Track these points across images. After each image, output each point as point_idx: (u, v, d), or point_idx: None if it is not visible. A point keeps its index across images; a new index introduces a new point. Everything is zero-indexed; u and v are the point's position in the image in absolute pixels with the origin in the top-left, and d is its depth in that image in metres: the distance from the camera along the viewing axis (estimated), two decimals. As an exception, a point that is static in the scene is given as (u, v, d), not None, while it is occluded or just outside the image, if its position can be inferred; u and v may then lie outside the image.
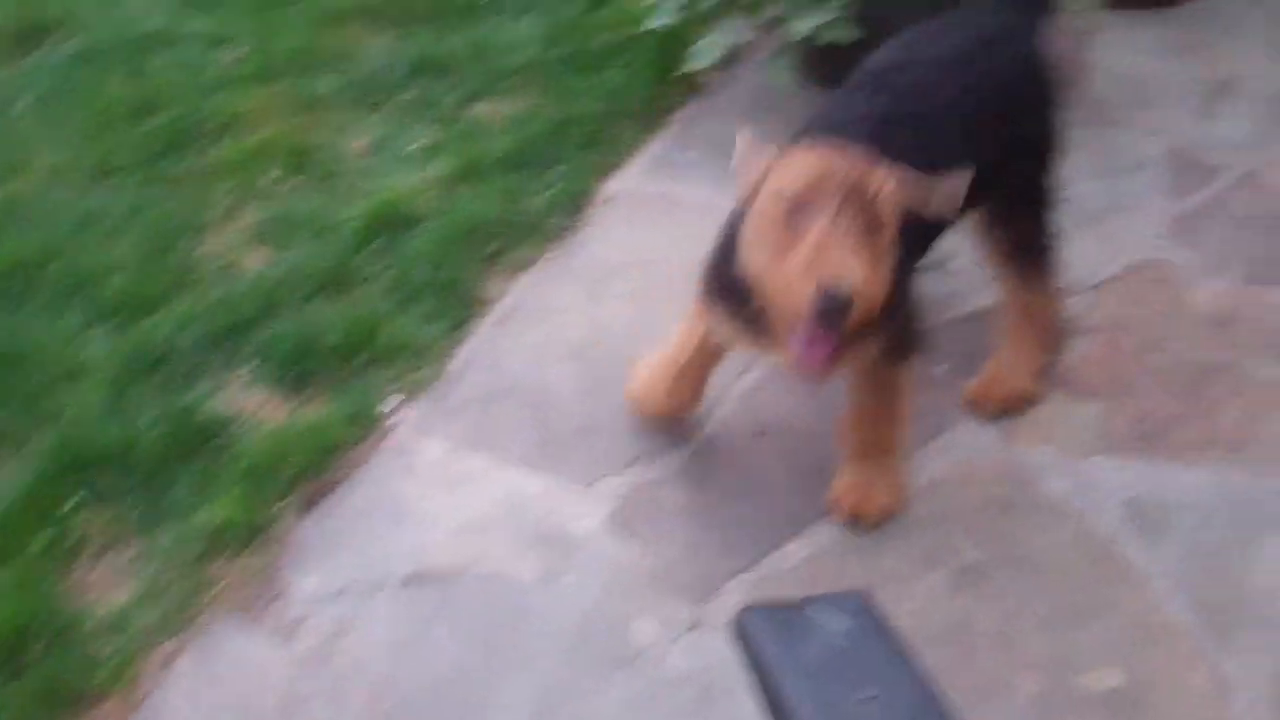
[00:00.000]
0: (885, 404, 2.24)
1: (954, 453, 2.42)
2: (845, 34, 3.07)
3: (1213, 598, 2.14)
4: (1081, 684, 2.03)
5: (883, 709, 0.83)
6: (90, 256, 2.98)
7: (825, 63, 3.34)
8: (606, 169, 3.20)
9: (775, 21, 3.14)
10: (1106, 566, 2.20)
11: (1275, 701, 1.99)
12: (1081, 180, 3.06)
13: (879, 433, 2.27)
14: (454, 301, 2.82)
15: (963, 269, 2.78)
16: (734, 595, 2.19)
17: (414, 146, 3.33)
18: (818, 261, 1.75)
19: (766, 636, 0.88)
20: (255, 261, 3.00)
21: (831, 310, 1.75)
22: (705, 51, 3.24)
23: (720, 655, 2.08)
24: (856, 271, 1.75)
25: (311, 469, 2.47)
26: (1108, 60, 3.53)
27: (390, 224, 3.02)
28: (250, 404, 2.63)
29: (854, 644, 0.88)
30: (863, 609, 0.90)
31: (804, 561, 2.24)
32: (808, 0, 3.05)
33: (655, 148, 3.29)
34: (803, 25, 3.04)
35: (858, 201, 1.79)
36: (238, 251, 3.04)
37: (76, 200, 3.26)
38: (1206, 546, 2.22)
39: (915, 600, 2.16)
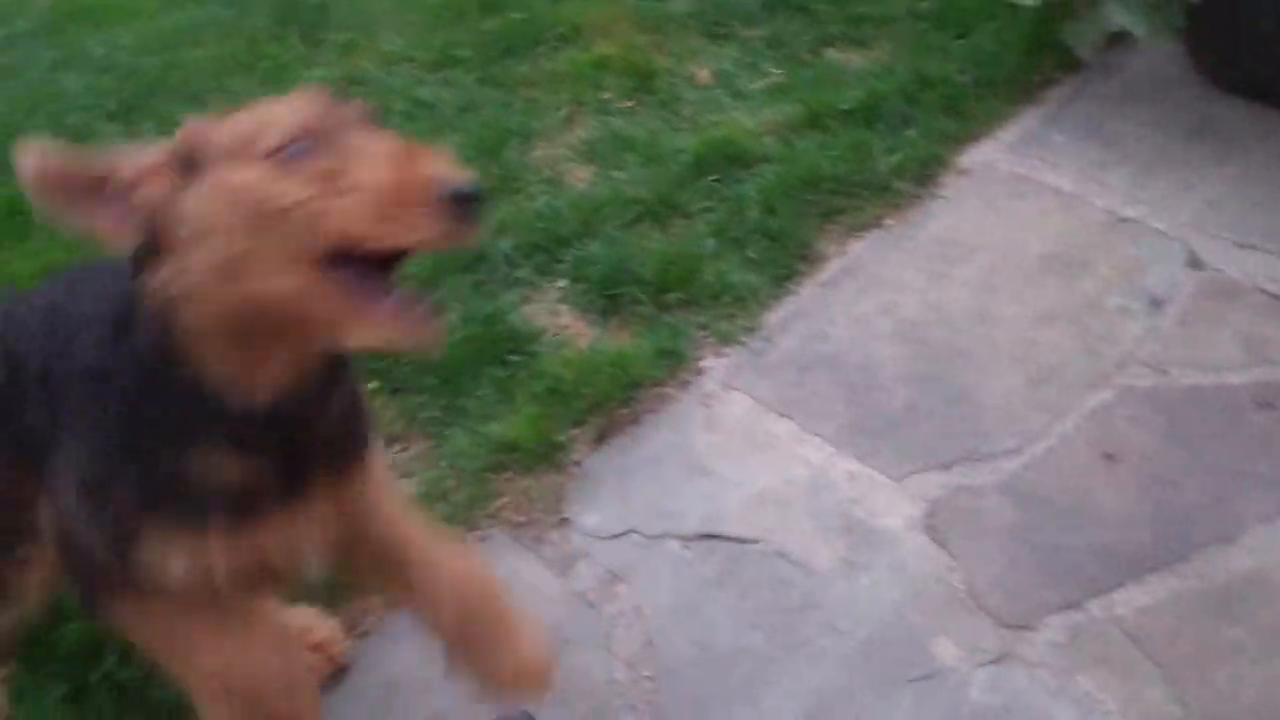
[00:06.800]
0: None
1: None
2: None
3: None
4: None
5: None
6: (417, 146, 2.93)
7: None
8: (964, 139, 2.94)
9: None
10: None
11: None
12: None
13: None
14: (781, 253, 2.63)
15: None
16: (1053, 633, 1.94)
17: (759, 85, 3.14)
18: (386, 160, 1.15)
19: None
20: (581, 178, 2.89)
21: (469, 201, 1.13)
22: (1082, 34, 2.95)
23: (1026, 698, 1.84)
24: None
25: (610, 401, 2.34)
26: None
27: (725, 161, 2.85)
28: (557, 322, 2.52)
29: None
30: None
31: (1139, 613, 1.96)
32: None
33: (1022, 124, 2.99)
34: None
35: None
36: (565, 165, 2.94)
37: (411, 87, 3.24)
38: None
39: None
